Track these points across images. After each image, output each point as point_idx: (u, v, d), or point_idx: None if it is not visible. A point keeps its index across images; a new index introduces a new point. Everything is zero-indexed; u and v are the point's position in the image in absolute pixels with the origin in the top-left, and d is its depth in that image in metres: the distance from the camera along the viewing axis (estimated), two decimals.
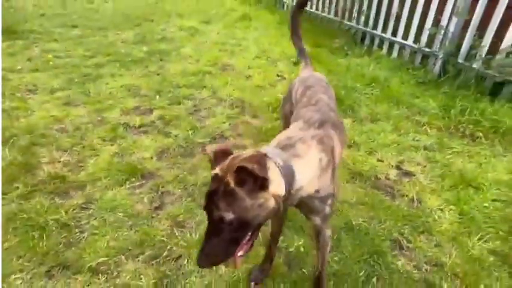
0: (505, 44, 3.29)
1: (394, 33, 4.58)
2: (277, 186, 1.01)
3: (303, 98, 1.58)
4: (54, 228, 1.88)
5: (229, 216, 0.94)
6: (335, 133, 1.34)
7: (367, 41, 5.09)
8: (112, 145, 2.67)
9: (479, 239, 1.86)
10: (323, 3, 5.99)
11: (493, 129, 2.79)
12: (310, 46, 4.91)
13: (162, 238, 1.87)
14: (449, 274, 1.69)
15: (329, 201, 1.24)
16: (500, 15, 3.26)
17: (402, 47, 4.51)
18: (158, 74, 4.02)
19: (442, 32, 3.84)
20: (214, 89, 3.70)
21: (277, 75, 4.13)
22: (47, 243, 1.79)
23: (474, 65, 3.51)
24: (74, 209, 2.04)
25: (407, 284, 1.64)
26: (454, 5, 3.67)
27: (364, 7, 5.00)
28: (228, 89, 3.66)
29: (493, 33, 3.36)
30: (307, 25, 5.90)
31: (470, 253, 1.79)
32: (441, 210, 2.08)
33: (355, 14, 5.23)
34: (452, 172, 2.37)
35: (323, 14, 5.97)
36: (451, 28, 3.73)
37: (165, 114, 3.11)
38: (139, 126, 2.94)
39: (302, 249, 1.81)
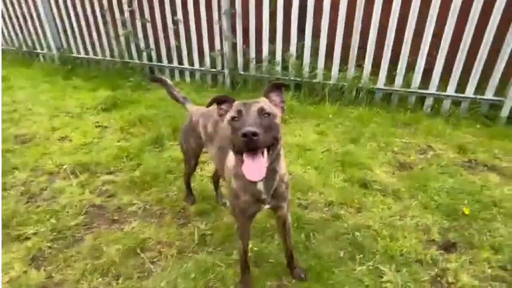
0: (264, 55, 4.62)
1: (181, 62, 5.23)
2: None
3: (218, 130, 1.82)
4: None
5: (267, 109, 1.26)
6: None
7: (158, 73, 5.49)
8: None
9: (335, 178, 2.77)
10: (93, 47, 5.82)
11: (290, 111, 3.96)
12: (109, 90, 4.79)
13: None
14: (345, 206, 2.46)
15: (288, 189, 1.60)
16: (254, 35, 4.54)
17: (192, 72, 5.24)
18: None
19: (220, 54, 4.83)
20: (32, 165, 2.99)
21: (96, 126, 3.82)
22: None
23: (252, 73, 4.71)
24: None
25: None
26: (221, 32, 4.70)
27: (142, 46, 5.34)
28: (54, 158, 3.08)
29: (254, 48, 4.62)
30: (93, 72, 5.65)
31: (337, 186, 2.65)
32: (306, 172, 2.86)
33: (134, 53, 5.47)
34: (292, 146, 3.25)
35: (103, 58, 5.81)
36: (226, 49, 4.76)
37: None
38: None
39: (256, 248, 2.06)
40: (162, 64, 5.39)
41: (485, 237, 2.08)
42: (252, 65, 4.67)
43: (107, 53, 5.74)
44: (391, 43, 3.87)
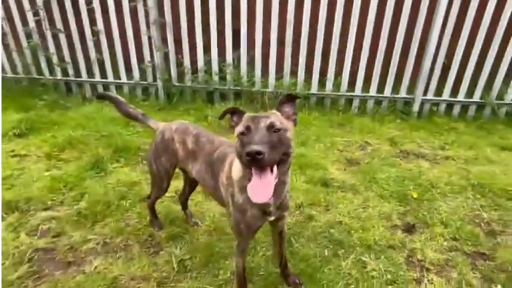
0: (200, 65, 4.51)
1: (104, 75, 4.74)
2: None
3: (201, 145, 1.72)
4: None
5: (277, 124, 1.21)
6: None
7: (76, 89, 4.88)
8: None
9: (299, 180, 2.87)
10: None
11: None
12: (19, 112, 4.07)
13: None
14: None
15: (289, 198, 1.60)
16: (187, 45, 4.41)
17: (119, 85, 4.80)
18: None
19: (151, 65, 4.54)
20: None
21: (12, 156, 3.20)
22: None
23: (188, 84, 4.56)
24: None
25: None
26: (150, 42, 4.42)
27: (55, 59, 4.68)
28: None
29: (188, 58, 4.48)
30: None
31: (302, 188, 2.75)
32: None
33: (45, 68, 4.76)
34: None
35: (3, 75, 4.89)
36: (158, 61, 4.50)
37: None
38: None
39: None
40: (81, 79, 4.81)
41: (434, 215, 2.41)
42: (188, 76, 4.53)
43: (7, 68, 4.87)
44: (320, 54, 4.22)
